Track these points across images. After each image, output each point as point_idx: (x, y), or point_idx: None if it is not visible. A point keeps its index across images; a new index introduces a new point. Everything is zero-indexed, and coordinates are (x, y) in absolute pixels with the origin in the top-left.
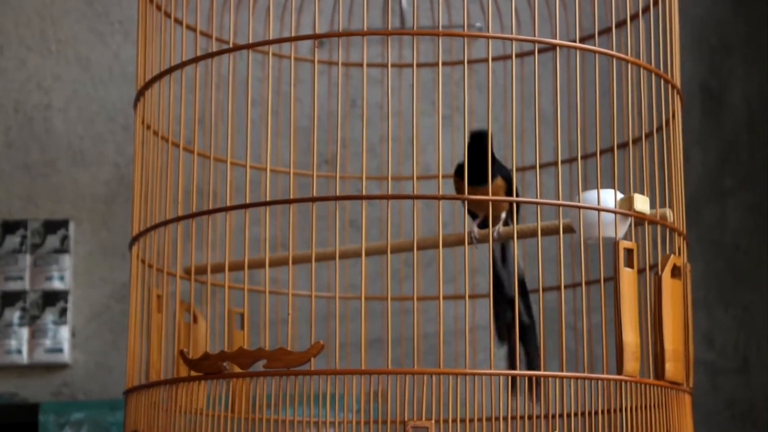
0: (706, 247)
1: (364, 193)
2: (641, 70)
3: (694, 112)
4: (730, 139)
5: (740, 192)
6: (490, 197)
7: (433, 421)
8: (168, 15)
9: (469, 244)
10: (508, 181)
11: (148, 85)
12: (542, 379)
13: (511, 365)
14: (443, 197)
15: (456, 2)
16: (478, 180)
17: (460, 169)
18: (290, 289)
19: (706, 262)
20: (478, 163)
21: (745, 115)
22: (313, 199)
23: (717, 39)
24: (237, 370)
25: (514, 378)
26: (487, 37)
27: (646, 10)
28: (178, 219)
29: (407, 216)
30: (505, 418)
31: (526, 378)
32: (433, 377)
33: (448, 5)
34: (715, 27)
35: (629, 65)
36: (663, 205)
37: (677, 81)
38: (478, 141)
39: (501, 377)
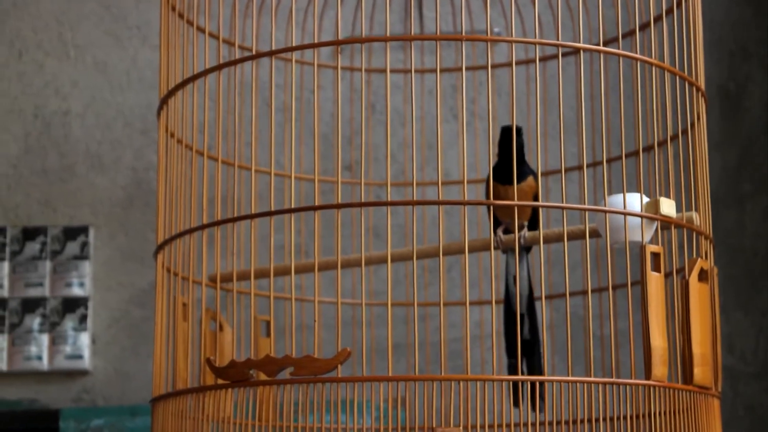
0: (725, 251)
1: (389, 199)
2: (665, 72)
3: (713, 115)
4: (748, 143)
5: (758, 196)
6: (516, 202)
7: (461, 428)
8: (190, 23)
9: (495, 249)
10: (538, 182)
11: (172, 93)
12: (550, 385)
13: (515, 381)
14: (468, 203)
15: (476, 8)
16: (509, 179)
17: (494, 171)
18: (316, 296)
19: (724, 266)
20: (508, 162)
21: (764, 118)
22: (338, 206)
23: (735, 43)
24: (263, 377)
25: (516, 388)
26: (511, 42)
27: (669, 12)
28: (203, 227)
29: (430, 223)
30: (533, 424)
31: (529, 386)
32: (461, 383)
33: (469, 11)
34: (733, 31)
35: (653, 68)
36: (687, 209)
37: (701, 83)
38: (510, 136)
39: (529, 384)
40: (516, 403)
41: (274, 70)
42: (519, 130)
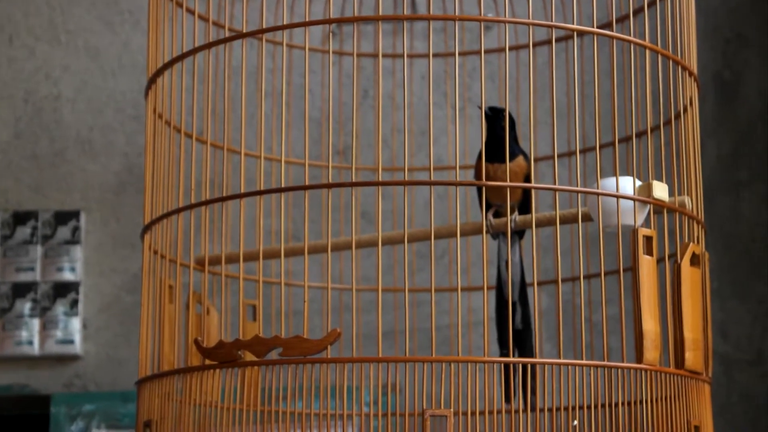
0: (720, 238)
1: (379, 179)
2: (658, 57)
3: (708, 103)
4: (744, 130)
5: (754, 183)
6: (508, 183)
7: (451, 410)
8: (180, 5)
9: (486, 232)
10: (529, 163)
11: (160, 72)
12: (542, 371)
13: (506, 373)
14: (461, 183)
15: None
16: (498, 157)
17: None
18: (306, 280)
19: (719, 253)
20: (498, 140)
21: (760, 106)
22: (329, 186)
23: (731, 29)
24: (251, 359)
25: (507, 382)
26: (504, 22)
27: None
28: (191, 206)
29: (419, 207)
30: (524, 411)
31: (520, 377)
32: (451, 365)
33: None
34: (729, 17)
35: (646, 52)
36: (679, 194)
37: (694, 67)
38: (495, 116)
39: (520, 375)
40: (507, 399)
41: (265, 54)
42: (503, 112)
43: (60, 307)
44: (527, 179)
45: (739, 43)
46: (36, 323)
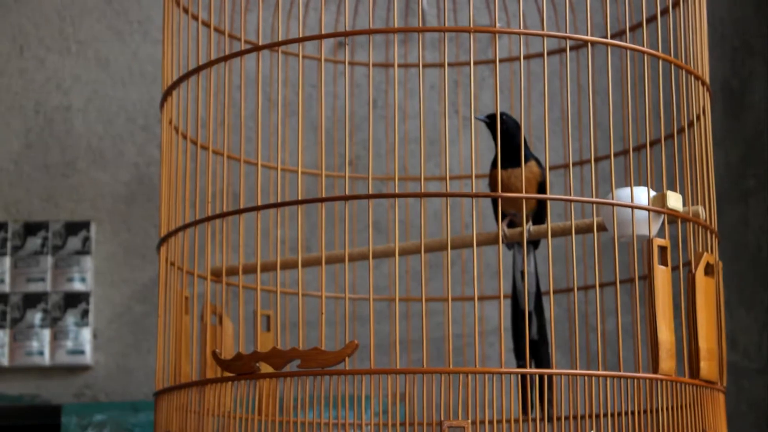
0: (728, 247)
1: (396, 191)
2: (671, 66)
3: (716, 112)
4: (752, 139)
5: (762, 192)
6: (524, 194)
7: (468, 421)
8: (195, 17)
9: (501, 242)
10: (542, 169)
11: (176, 84)
12: (558, 381)
13: (523, 384)
14: (476, 195)
15: (477, 3)
16: (511, 163)
17: (494, 158)
18: (323, 290)
19: (727, 262)
20: (508, 146)
21: (766, 114)
22: (346, 198)
23: (738, 39)
24: (268, 370)
25: (524, 394)
26: (519, 34)
27: (675, 5)
28: (207, 219)
29: (431, 217)
30: (541, 420)
31: (537, 387)
32: (468, 376)
33: (471, 6)
34: (736, 27)
35: (659, 61)
36: (692, 203)
37: (706, 76)
38: (501, 123)
39: (537, 385)
40: (525, 410)
41: (274, 66)
42: (510, 117)
43: (70, 318)
44: (541, 185)
45: (747, 52)
46: (47, 333)
